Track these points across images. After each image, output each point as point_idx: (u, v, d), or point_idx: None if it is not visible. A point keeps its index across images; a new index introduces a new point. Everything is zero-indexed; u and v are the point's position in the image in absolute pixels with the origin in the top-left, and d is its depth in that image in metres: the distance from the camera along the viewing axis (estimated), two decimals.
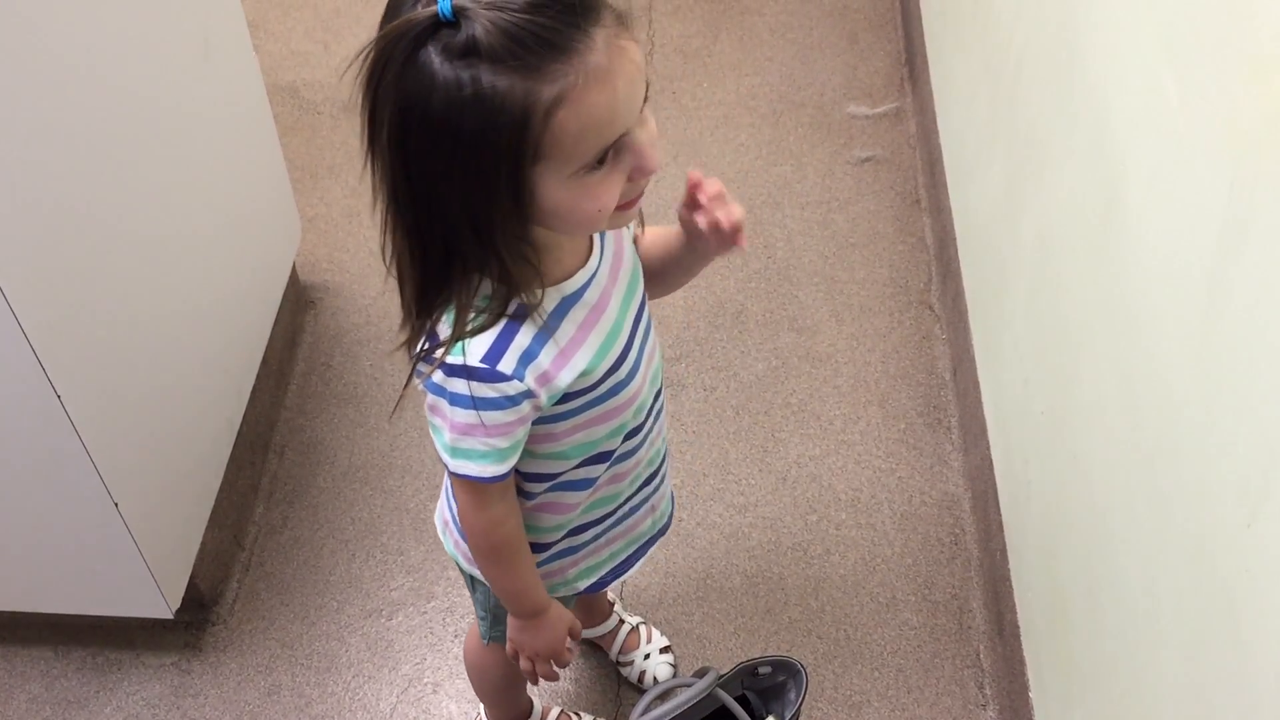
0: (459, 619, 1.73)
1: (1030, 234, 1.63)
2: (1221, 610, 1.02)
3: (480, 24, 0.78)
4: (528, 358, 0.95)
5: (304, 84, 2.52)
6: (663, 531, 1.32)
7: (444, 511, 1.23)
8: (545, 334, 0.96)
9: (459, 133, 0.81)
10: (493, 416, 0.96)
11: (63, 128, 1.29)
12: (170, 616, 1.60)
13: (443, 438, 0.99)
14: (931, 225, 2.22)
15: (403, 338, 0.97)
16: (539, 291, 0.95)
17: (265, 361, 1.90)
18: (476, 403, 0.95)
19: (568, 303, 0.98)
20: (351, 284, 2.16)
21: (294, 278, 2.05)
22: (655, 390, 1.13)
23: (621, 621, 1.66)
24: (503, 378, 0.94)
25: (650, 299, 1.13)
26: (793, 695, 1.46)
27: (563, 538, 1.18)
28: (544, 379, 0.97)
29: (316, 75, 2.54)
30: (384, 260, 0.94)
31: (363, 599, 1.76)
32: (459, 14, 0.79)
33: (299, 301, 2.10)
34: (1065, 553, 1.44)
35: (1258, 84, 0.99)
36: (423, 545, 1.81)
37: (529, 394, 0.96)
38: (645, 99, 0.87)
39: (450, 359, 0.94)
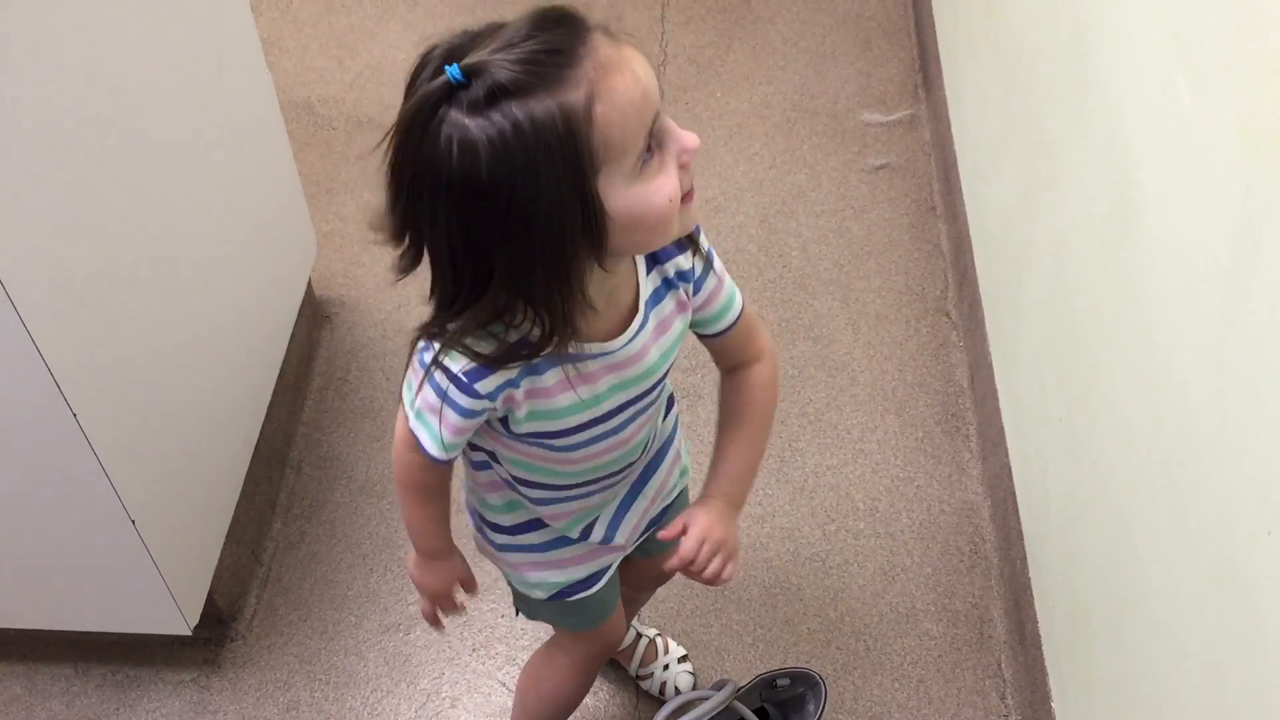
0: (476, 633, 1.73)
1: (1046, 239, 1.62)
2: (1243, 617, 1.01)
3: (495, 68, 0.81)
4: (508, 385, 0.98)
5: (318, 100, 2.53)
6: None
7: (468, 499, 1.25)
8: (530, 372, 0.98)
9: (517, 175, 0.81)
10: (452, 417, 1.00)
11: (77, 145, 1.30)
12: (189, 633, 1.60)
13: (410, 396, 1.02)
14: (947, 232, 2.21)
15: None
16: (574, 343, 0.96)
17: (282, 376, 1.90)
18: (445, 399, 0.99)
19: (563, 359, 0.98)
20: (367, 298, 2.16)
21: (309, 293, 2.06)
22: (638, 454, 1.15)
23: (639, 635, 1.65)
24: (475, 395, 0.98)
25: None
26: (812, 707, 1.45)
27: (514, 529, 1.20)
28: (510, 400, 0.99)
29: (331, 91, 2.55)
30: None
31: (380, 613, 1.75)
32: (470, 72, 0.81)
33: (315, 316, 2.11)
34: (1086, 560, 1.42)
35: (1271, 86, 0.98)
36: None
37: (492, 410, 1.00)
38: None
39: (443, 359, 0.97)
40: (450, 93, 0.81)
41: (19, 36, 1.17)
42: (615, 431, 1.07)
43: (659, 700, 1.64)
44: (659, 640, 1.66)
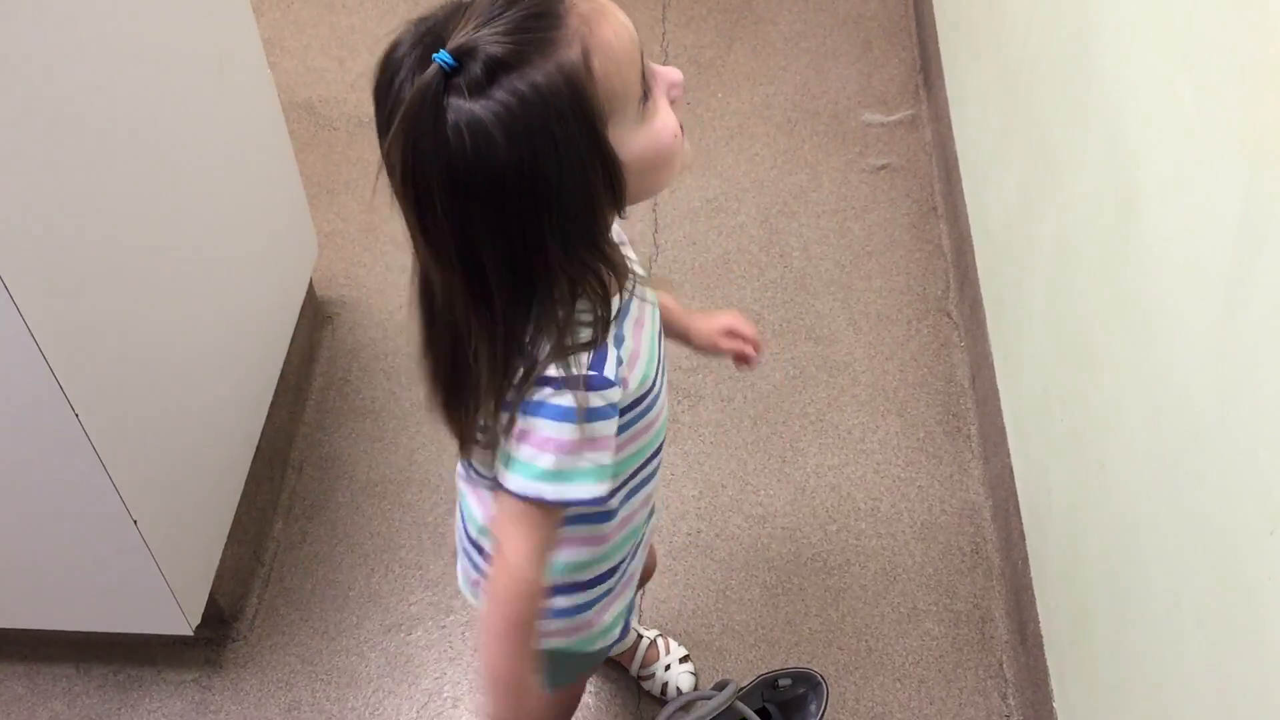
0: (479, 633, 1.73)
1: (1047, 239, 1.62)
2: (1246, 618, 1.01)
3: (485, 45, 0.78)
4: (619, 364, 0.92)
5: (320, 100, 2.53)
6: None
7: (470, 572, 1.19)
8: (619, 340, 0.94)
9: (536, 147, 0.79)
10: (602, 428, 0.91)
11: (79, 146, 1.30)
12: (190, 633, 1.60)
13: (537, 466, 0.90)
14: (948, 232, 2.21)
15: (488, 407, 0.91)
16: (624, 292, 0.94)
17: (283, 377, 1.90)
18: (587, 414, 0.89)
19: (625, 306, 0.96)
20: (369, 299, 2.16)
21: (311, 293, 2.06)
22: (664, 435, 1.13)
23: (639, 636, 1.65)
24: (609, 384, 0.90)
25: None
26: (813, 707, 1.45)
27: (597, 579, 1.13)
28: (624, 385, 0.94)
29: (332, 91, 2.55)
30: (424, 353, 0.94)
31: (382, 614, 1.76)
32: (459, 54, 0.78)
33: (316, 317, 2.11)
34: (1088, 560, 1.42)
35: (1272, 87, 0.98)
36: (441, 560, 1.81)
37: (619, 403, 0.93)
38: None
39: (552, 372, 0.88)
40: (446, 81, 0.78)
41: (20, 36, 1.17)
42: (660, 376, 1.03)
43: (660, 701, 1.64)
44: (660, 641, 1.66)
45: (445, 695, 1.67)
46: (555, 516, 0.95)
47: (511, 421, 0.90)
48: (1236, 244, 1.03)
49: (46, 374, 1.25)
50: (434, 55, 0.78)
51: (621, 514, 1.09)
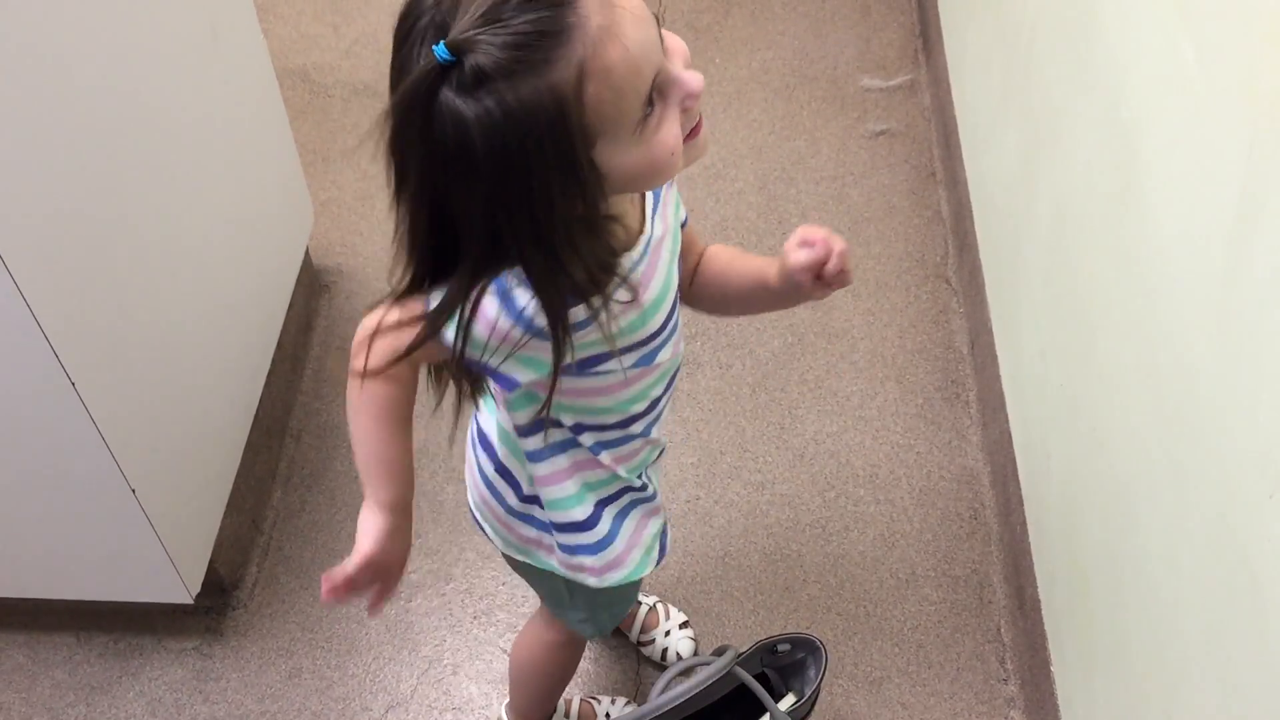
0: (477, 600, 1.73)
1: (1047, 204, 1.61)
2: (1243, 582, 1.01)
3: (480, 50, 0.79)
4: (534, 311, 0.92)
5: (314, 67, 2.51)
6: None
7: (476, 489, 1.21)
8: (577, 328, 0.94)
9: (510, 154, 0.81)
10: (506, 325, 0.92)
11: (71, 117, 1.29)
12: (190, 602, 1.60)
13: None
14: (947, 198, 2.20)
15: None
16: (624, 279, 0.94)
17: (280, 346, 1.90)
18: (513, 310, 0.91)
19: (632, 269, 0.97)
20: (365, 267, 2.16)
21: (307, 262, 2.05)
22: (676, 367, 1.12)
23: (639, 602, 1.66)
24: (515, 310, 0.91)
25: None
26: (812, 672, 1.45)
27: (596, 516, 1.15)
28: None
29: (326, 58, 2.53)
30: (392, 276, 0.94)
31: None
32: (457, 49, 0.79)
33: (313, 286, 2.10)
34: (1086, 526, 1.43)
35: (1275, 48, 0.97)
36: (440, 528, 1.81)
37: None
38: (660, 28, 0.87)
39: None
40: (442, 72, 0.80)
41: (12, 6, 1.16)
42: (671, 317, 1.04)
43: (660, 666, 1.64)
44: (660, 607, 1.66)
45: (445, 662, 1.68)
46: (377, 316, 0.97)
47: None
48: (1239, 206, 1.02)
49: (44, 346, 1.24)
50: (434, 47, 0.79)
51: (590, 447, 1.10)
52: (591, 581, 1.20)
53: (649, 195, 1.01)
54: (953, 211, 2.15)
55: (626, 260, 0.95)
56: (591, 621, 1.33)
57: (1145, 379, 1.24)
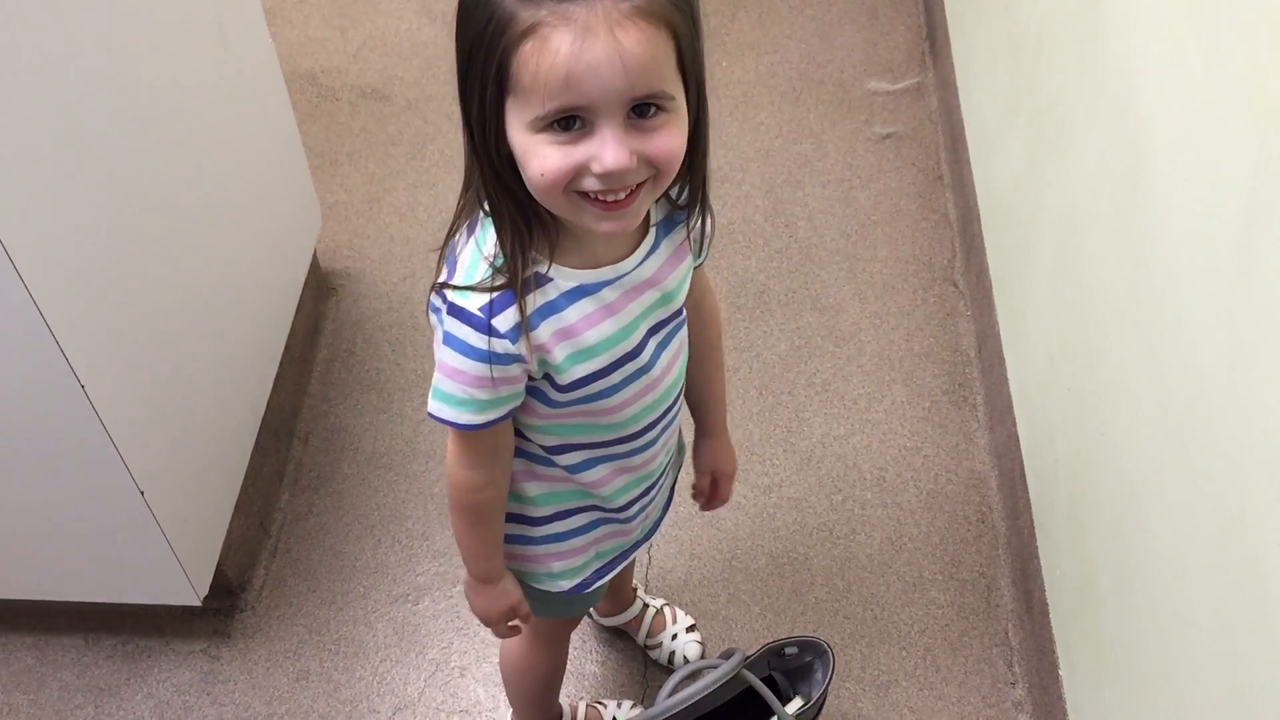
0: None
1: (1054, 207, 1.61)
2: (1252, 586, 1.01)
3: None
4: (523, 328, 0.95)
5: (322, 71, 2.52)
6: (648, 536, 1.29)
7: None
8: (549, 310, 0.96)
9: (466, 35, 0.85)
10: (476, 367, 0.96)
11: (80, 120, 1.29)
12: (198, 604, 1.61)
13: (434, 385, 1.00)
14: (954, 201, 2.20)
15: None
16: (545, 261, 0.95)
17: (288, 349, 1.90)
18: (464, 348, 0.96)
19: (580, 292, 0.97)
20: (373, 270, 2.16)
21: (315, 265, 2.05)
22: (670, 402, 1.12)
23: (645, 606, 1.66)
24: (495, 333, 0.95)
25: None
26: (820, 676, 1.45)
27: (552, 517, 1.16)
28: (540, 349, 0.97)
29: (334, 62, 2.54)
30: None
31: (389, 584, 1.76)
32: None
33: (320, 288, 2.10)
34: (1093, 529, 1.42)
35: None
36: (447, 530, 1.81)
37: (518, 358, 0.97)
38: (657, 110, 0.85)
39: (454, 298, 0.95)
40: None
41: (22, 7, 1.17)
42: (647, 369, 1.05)
43: (667, 669, 1.64)
44: (667, 610, 1.66)
45: (452, 665, 1.68)
46: (463, 430, 1.02)
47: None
48: (1247, 209, 1.02)
49: (53, 347, 1.25)
50: None
51: (566, 467, 1.11)
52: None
53: (648, 237, 1.00)
54: (960, 214, 2.15)
55: (565, 271, 0.97)
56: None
57: (1153, 382, 1.24)
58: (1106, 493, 1.38)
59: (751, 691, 1.39)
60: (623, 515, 1.19)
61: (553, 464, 1.12)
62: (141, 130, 1.42)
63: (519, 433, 1.10)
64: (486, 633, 1.70)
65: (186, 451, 1.56)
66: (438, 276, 0.99)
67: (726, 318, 2.05)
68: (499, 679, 1.66)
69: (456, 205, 0.99)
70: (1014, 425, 1.76)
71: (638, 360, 1.04)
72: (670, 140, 0.87)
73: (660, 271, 1.02)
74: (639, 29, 0.81)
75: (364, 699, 1.66)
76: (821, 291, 2.09)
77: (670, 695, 1.35)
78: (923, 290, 2.08)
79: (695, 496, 1.36)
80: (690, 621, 1.67)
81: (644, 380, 1.06)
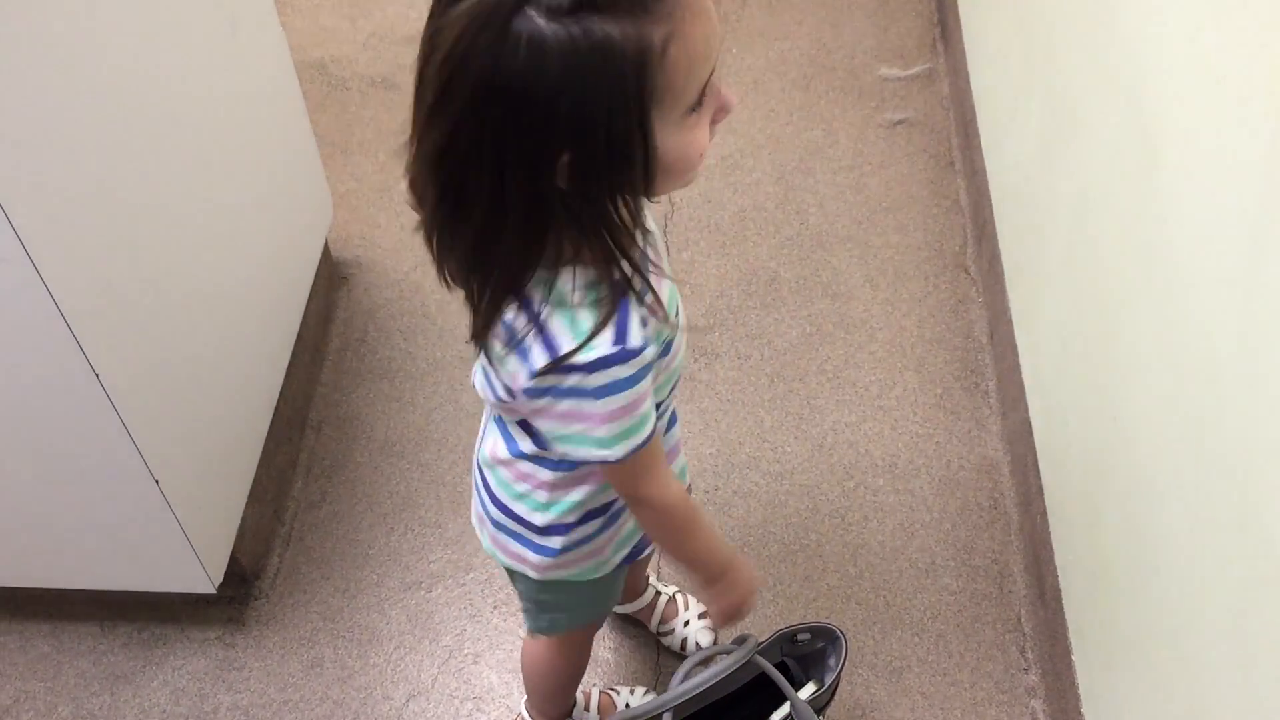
0: (497, 590, 1.74)
1: (1067, 193, 1.60)
2: (1268, 572, 1.01)
3: None
4: (644, 323, 0.93)
5: (332, 60, 2.52)
6: None
7: (478, 508, 1.21)
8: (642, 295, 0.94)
9: (586, 90, 0.79)
10: (636, 390, 0.94)
11: (91, 110, 1.29)
12: (213, 591, 1.61)
13: (593, 437, 0.95)
14: (966, 187, 2.19)
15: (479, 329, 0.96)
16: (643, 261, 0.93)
17: (300, 338, 1.90)
18: (621, 385, 0.92)
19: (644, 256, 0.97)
20: (384, 259, 2.16)
21: (327, 254, 2.06)
22: (678, 375, 1.12)
23: (658, 593, 1.66)
24: (636, 353, 0.92)
25: None
26: (832, 662, 1.45)
27: (581, 519, 1.15)
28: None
29: (344, 51, 2.54)
30: (443, 280, 0.97)
31: (402, 572, 1.77)
32: None
33: (332, 278, 2.11)
34: (1107, 516, 1.42)
35: None
36: (460, 518, 1.82)
37: (660, 349, 0.96)
38: None
39: (580, 359, 0.90)
40: None
41: (32, 0, 1.17)
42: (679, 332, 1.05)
43: (680, 656, 1.65)
44: (679, 597, 1.67)
45: (466, 651, 1.69)
46: (635, 457, 0.98)
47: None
48: (1261, 192, 1.02)
49: (68, 337, 1.25)
50: None
51: None
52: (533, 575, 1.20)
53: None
54: (971, 200, 2.15)
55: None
56: (566, 615, 1.31)
57: (1167, 367, 1.23)
58: (1120, 479, 1.38)
59: (764, 677, 1.40)
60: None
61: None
62: (154, 122, 1.42)
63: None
64: (499, 619, 1.71)
65: (201, 440, 1.56)
66: (499, 378, 0.96)
67: (738, 305, 2.05)
68: (512, 665, 1.66)
69: (476, 321, 0.96)
70: (1026, 411, 1.76)
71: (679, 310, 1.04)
72: None
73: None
74: None
75: (378, 686, 1.66)
76: (833, 278, 2.09)
77: (683, 681, 1.35)
78: (934, 277, 2.08)
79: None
80: (702, 609, 1.67)
81: (677, 338, 1.05)
